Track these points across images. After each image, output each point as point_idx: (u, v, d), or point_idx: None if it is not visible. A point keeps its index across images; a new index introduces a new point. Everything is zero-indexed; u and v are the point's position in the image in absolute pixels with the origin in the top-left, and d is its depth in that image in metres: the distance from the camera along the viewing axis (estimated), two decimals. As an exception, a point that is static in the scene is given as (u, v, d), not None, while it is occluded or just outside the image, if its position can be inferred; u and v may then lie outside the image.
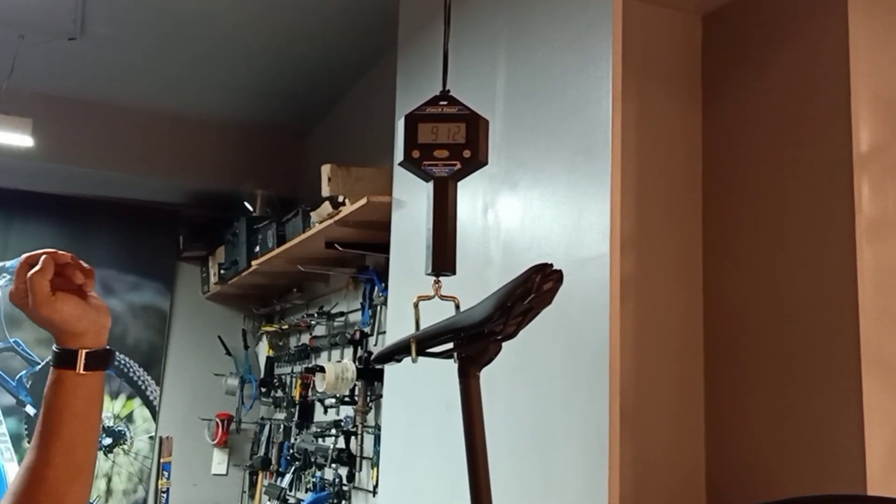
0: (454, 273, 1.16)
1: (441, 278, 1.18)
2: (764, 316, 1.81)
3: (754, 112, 1.89)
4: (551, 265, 1.03)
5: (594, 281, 1.59)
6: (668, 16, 2.00)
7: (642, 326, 1.87)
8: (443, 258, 1.15)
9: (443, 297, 1.17)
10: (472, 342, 1.08)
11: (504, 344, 1.09)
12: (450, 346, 1.11)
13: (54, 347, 1.00)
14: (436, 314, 1.16)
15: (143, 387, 4.54)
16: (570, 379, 1.67)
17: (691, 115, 1.99)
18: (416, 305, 1.16)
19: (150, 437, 4.52)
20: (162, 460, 4.08)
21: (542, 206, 1.81)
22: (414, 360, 1.13)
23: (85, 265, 1.01)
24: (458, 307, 1.16)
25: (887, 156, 1.68)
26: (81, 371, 0.98)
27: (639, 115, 1.92)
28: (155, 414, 4.56)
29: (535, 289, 1.03)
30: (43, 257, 0.97)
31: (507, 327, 1.06)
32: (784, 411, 1.74)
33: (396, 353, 1.15)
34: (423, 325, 1.15)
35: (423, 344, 1.11)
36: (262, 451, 4.24)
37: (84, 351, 0.98)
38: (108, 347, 1.02)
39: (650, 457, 1.85)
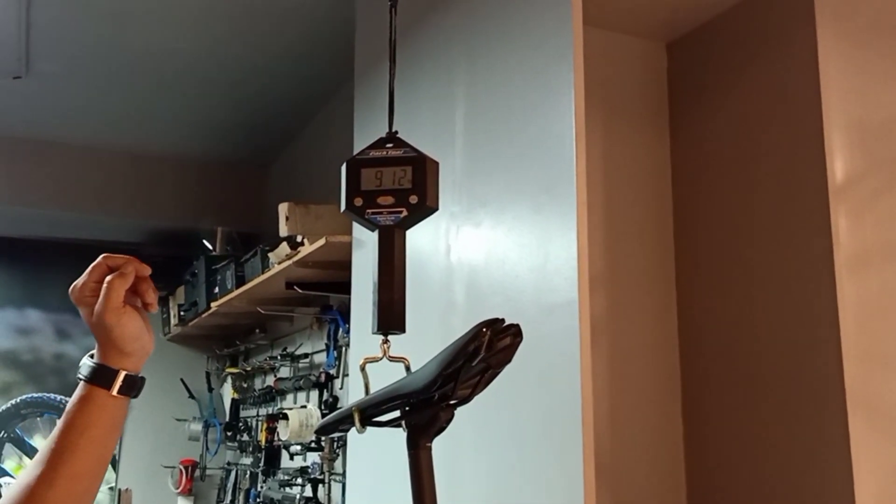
0: (403, 331, 1.04)
1: (391, 336, 1.06)
2: (744, 356, 1.71)
3: (724, 142, 1.81)
4: (503, 320, 0.92)
5: (563, 328, 1.48)
6: (631, 44, 1.92)
7: (616, 371, 1.76)
8: (390, 315, 1.04)
9: (391, 359, 1.05)
10: (420, 409, 0.97)
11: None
12: (398, 413, 1.00)
13: (90, 361, 0.93)
14: (394, 374, 1.05)
15: (102, 435, 4.35)
16: (542, 432, 1.56)
17: (659, 146, 1.91)
18: (362, 369, 1.04)
19: (111, 489, 4.32)
20: (121, 514, 3.89)
21: (507, 248, 1.70)
22: (360, 431, 1.01)
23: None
24: (408, 369, 1.04)
25: (865, 185, 1.60)
26: (114, 393, 0.92)
27: (604, 148, 1.83)
28: (115, 464, 4.36)
29: (485, 347, 0.91)
30: (127, 264, 0.92)
31: (458, 391, 0.95)
32: (768, 455, 1.64)
33: (339, 423, 1.03)
34: (382, 385, 1.04)
35: (366, 413, 0.99)
36: (228, 499, 4.07)
37: (124, 373, 0.93)
38: (142, 375, 0.96)
39: (628, 509, 1.75)
